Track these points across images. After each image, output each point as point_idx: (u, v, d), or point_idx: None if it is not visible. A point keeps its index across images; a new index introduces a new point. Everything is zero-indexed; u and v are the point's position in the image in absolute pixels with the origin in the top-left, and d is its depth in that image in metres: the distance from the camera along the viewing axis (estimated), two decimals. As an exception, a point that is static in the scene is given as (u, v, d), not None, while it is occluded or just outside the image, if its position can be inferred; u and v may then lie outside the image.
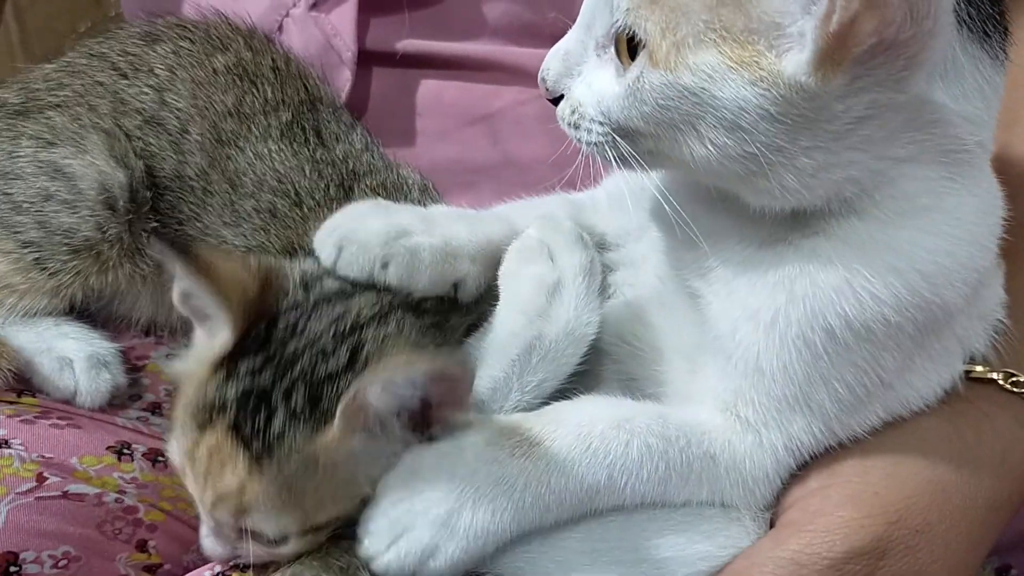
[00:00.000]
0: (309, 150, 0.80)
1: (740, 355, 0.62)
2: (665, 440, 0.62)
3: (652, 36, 0.57)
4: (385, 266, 0.68)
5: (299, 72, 0.85)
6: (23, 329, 0.78)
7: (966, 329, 0.65)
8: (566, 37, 0.63)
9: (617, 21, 0.58)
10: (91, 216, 0.78)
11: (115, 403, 0.80)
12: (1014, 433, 0.67)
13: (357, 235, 0.68)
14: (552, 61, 0.63)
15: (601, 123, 0.60)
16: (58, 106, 0.83)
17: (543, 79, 0.63)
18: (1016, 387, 0.68)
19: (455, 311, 0.71)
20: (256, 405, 0.61)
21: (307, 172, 0.78)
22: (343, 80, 0.89)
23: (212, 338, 0.64)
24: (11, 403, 0.77)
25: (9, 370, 0.76)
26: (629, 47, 0.58)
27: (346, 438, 0.60)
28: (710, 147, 0.57)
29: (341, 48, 0.89)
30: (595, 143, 0.61)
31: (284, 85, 0.83)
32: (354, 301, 0.67)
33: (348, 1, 0.88)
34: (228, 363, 0.63)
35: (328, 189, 0.78)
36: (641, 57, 0.57)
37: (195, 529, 0.75)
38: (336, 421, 0.60)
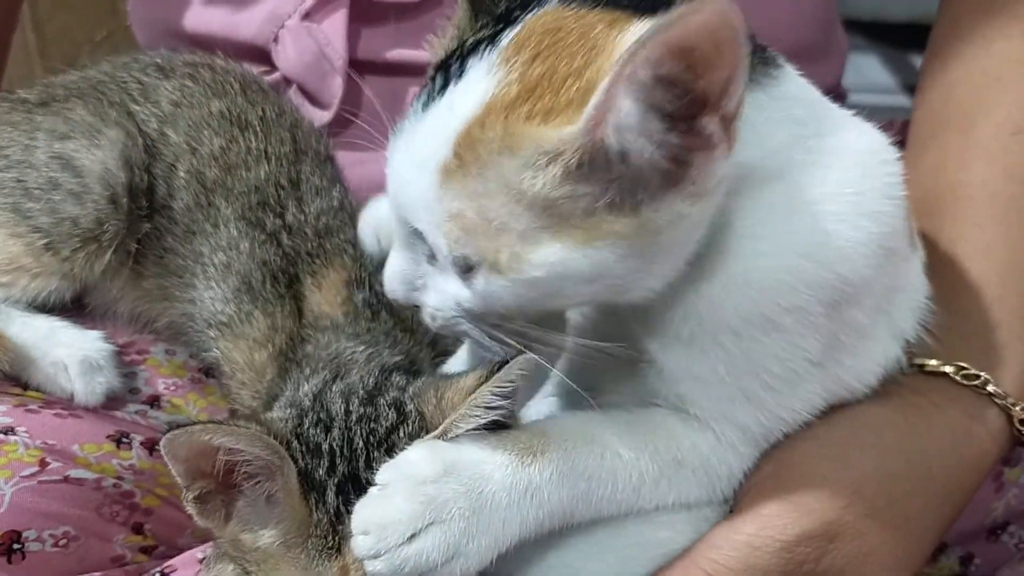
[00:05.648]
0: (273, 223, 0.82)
1: (671, 367, 0.64)
2: (634, 450, 0.63)
3: (485, 256, 0.57)
4: None
5: (290, 123, 0.88)
6: (21, 331, 0.80)
7: (890, 303, 0.66)
8: (392, 258, 0.64)
9: (445, 255, 0.58)
10: (95, 209, 0.81)
11: (113, 401, 0.82)
12: (965, 424, 0.68)
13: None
14: (394, 284, 0.64)
15: (463, 317, 0.62)
16: (80, 98, 0.86)
17: (395, 299, 0.65)
18: (967, 380, 0.69)
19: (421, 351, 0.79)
20: (352, 490, 0.63)
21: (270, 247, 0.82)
22: (335, 87, 0.92)
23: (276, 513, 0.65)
24: (17, 395, 0.80)
25: (5, 361, 0.78)
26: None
27: None
28: (574, 299, 0.60)
29: (333, 56, 0.92)
30: (467, 329, 0.62)
31: (269, 136, 0.85)
32: (345, 379, 0.71)
33: (339, 12, 0.91)
34: (308, 493, 0.64)
35: (297, 251, 0.82)
36: (481, 269, 0.58)
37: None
38: None
